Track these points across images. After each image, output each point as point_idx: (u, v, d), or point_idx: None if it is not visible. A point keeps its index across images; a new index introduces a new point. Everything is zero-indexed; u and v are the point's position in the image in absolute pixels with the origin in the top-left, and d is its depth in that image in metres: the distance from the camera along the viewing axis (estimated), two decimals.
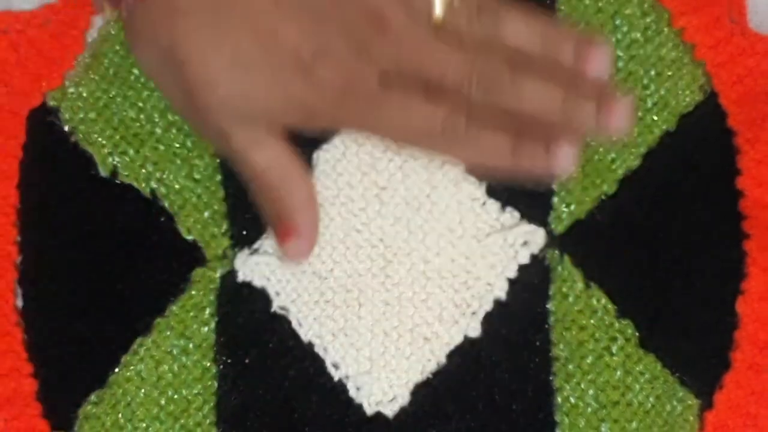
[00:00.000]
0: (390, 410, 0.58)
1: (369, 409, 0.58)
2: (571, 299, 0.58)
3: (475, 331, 0.58)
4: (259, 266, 0.58)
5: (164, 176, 0.59)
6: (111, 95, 0.59)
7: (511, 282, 0.58)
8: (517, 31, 0.52)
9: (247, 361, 0.58)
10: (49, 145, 0.59)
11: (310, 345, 0.58)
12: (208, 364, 0.58)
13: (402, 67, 0.51)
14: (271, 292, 0.58)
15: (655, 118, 0.58)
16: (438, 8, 0.52)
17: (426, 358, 0.58)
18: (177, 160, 0.59)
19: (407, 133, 0.52)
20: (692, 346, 0.58)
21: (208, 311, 0.58)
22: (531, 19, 0.52)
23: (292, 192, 0.55)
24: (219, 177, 0.59)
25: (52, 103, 0.59)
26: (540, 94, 0.51)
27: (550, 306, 0.58)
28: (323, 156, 0.58)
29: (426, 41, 0.51)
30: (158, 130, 0.59)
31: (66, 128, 0.59)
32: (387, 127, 0.52)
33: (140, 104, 0.59)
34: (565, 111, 0.51)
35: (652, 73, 0.58)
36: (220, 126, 0.53)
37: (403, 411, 0.57)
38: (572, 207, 0.58)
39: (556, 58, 0.51)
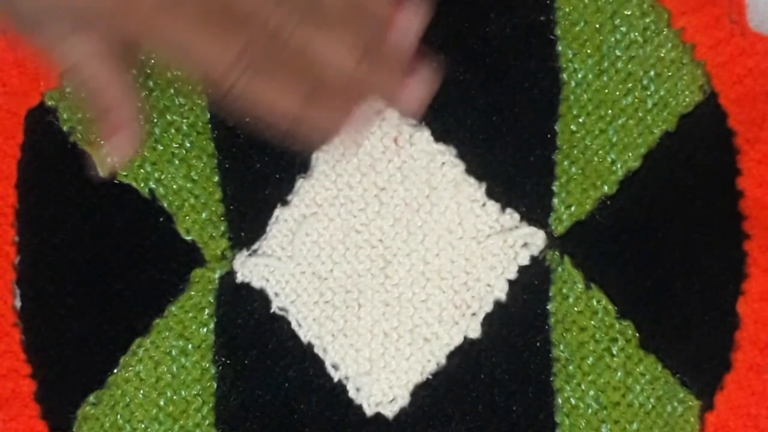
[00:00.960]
0: (390, 411, 0.57)
1: (369, 410, 0.57)
2: (571, 300, 0.58)
3: (475, 332, 0.58)
4: (258, 267, 0.58)
5: (163, 176, 0.59)
6: None
7: (511, 283, 0.58)
8: None
9: (246, 361, 0.57)
10: (47, 145, 0.59)
11: (310, 346, 0.58)
12: (207, 365, 0.58)
13: None
14: (270, 292, 0.58)
15: (655, 118, 0.58)
16: None
17: (426, 359, 0.58)
18: (175, 160, 0.59)
19: (198, 60, 0.49)
20: (693, 347, 0.58)
21: (207, 312, 0.58)
22: None
23: (106, 88, 0.52)
24: (217, 178, 0.58)
25: (50, 103, 0.59)
26: (338, 47, 0.49)
27: (550, 307, 0.58)
28: (323, 156, 0.58)
29: None
30: (157, 131, 0.59)
31: (64, 128, 0.59)
32: (177, 49, 0.49)
33: (138, 104, 0.59)
34: (359, 72, 0.49)
35: (652, 73, 0.58)
36: (31, 17, 0.50)
37: (402, 412, 0.57)
38: (572, 208, 0.58)
39: (371, 17, 0.50)
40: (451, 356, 0.58)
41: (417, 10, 0.51)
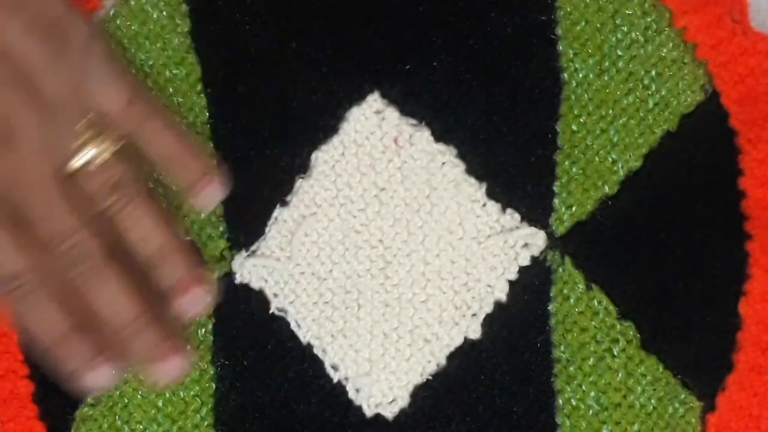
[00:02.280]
0: (389, 412, 0.57)
1: (368, 411, 0.57)
2: (572, 301, 0.57)
3: (475, 332, 0.57)
4: (257, 268, 0.58)
5: (161, 177, 0.58)
6: None
7: (512, 284, 0.58)
8: (138, 228, 0.52)
9: (245, 362, 0.57)
10: None
11: (309, 346, 0.58)
12: (206, 366, 0.57)
13: (8, 189, 0.51)
14: (269, 293, 0.58)
15: (656, 118, 0.58)
16: (80, 159, 0.52)
17: (426, 360, 0.57)
18: None
19: None
20: (694, 348, 0.57)
21: (205, 312, 0.58)
22: (158, 226, 0.53)
23: None
24: None
25: None
26: (116, 299, 0.51)
27: (551, 308, 0.58)
28: (322, 157, 0.58)
29: (46, 181, 0.51)
30: None
31: None
32: None
33: None
34: (129, 329, 0.51)
35: (653, 73, 0.58)
36: None
37: (402, 413, 0.57)
38: (573, 208, 0.58)
39: (159, 272, 0.53)
40: (451, 357, 0.57)
41: (204, 296, 0.54)
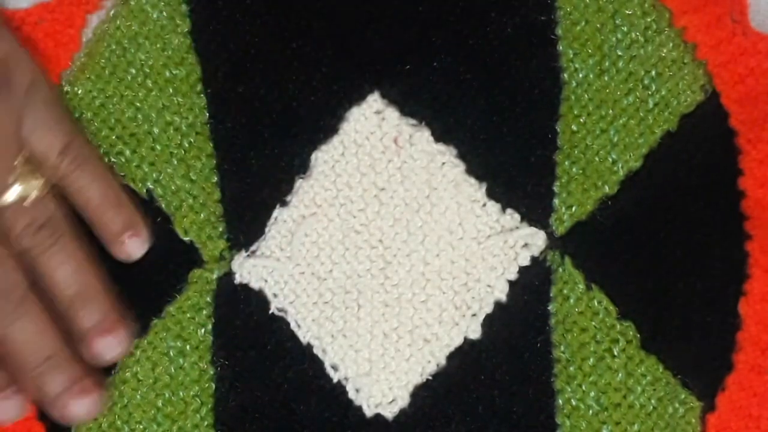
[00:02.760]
0: (389, 412, 0.57)
1: (368, 411, 0.57)
2: (572, 301, 0.57)
3: (475, 332, 0.57)
4: (256, 268, 0.58)
5: (161, 177, 0.58)
6: (107, 95, 0.59)
7: (512, 284, 0.58)
8: (60, 270, 0.53)
9: (245, 362, 0.57)
10: None
11: (309, 346, 0.57)
12: (206, 366, 0.57)
13: None
14: (269, 293, 0.58)
15: (656, 118, 0.58)
16: (12, 194, 0.53)
17: (426, 360, 0.57)
18: (174, 160, 0.58)
19: None
20: (694, 348, 0.57)
21: (205, 313, 0.58)
22: (81, 268, 0.54)
23: None
24: (216, 178, 0.58)
25: None
26: (32, 337, 0.52)
27: (551, 308, 0.57)
28: (322, 157, 0.58)
29: None
30: (155, 130, 0.58)
31: None
32: None
33: (137, 104, 0.58)
34: (42, 367, 0.52)
35: (653, 73, 0.58)
36: None
37: (402, 413, 0.57)
38: (573, 208, 0.58)
39: (79, 313, 0.54)
40: (451, 357, 0.57)
41: (121, 342, 0.55)
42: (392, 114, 0.58)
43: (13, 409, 0.54)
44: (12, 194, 0.53)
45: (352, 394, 0.57)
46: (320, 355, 0.57)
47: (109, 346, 0.54)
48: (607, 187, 0.58)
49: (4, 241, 0.53)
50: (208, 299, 0.58)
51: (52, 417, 0.55)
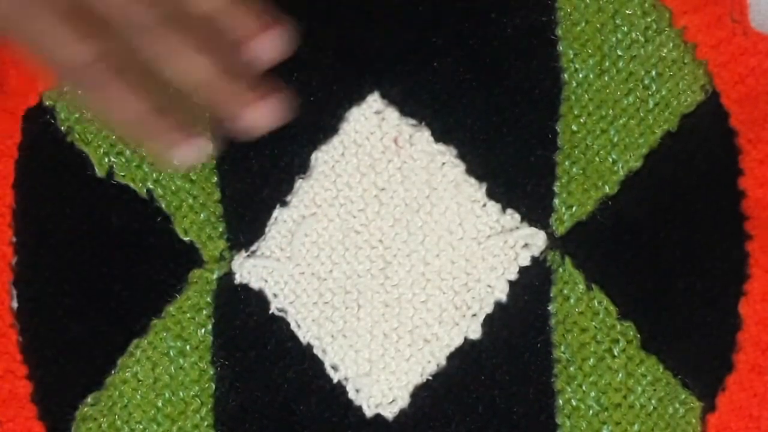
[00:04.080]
0: (389, 412, 0.57)
1: (368, 411, 0.57)
2: (572, 301, 0.57)
3: (475, 333, 0.57)
4: (256, 268, 0.58)
5: (161, 177, 0.58)
6: None
7: (512, 284, 0.58)
8: None
9: (245, 363, 0.57)
10: (45, 145, 0.59)
11: (309, 347, 0.58)
12: (206, 366, 0.57)
13: None
14: (269, 293, 0.58)
15: (657, 118, 0.58)
16: None
17: (426, 360, 0.57)
18: None
19: (54, 56, 0.47)
20: (694, 348, 0.57)
21: (205, 313, 0.58)
22: None
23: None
24: (215, 178, 0.58)
25: (48, 102, 0.59)
26: (188, 56, 0.47)
27: (551, 308, 0.57)
28: (322, 157, 0.58)
29: None
30: None
31: (62, 128, 0.59)
32: (33, 41, 0.48)
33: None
34: (210, 88, 0.47)
35: (653, 73, 0.58)
36: None
37: (402, 413, 0.57)
38: (573, 208, 0.58)
39: (231, 20, 0.48)
40: (451, 357, 0.57)
41: (282, 35, 0.49)
42: (392, 114, 0.58)
43: (194, 151, 0.48)
44: None
45: (352, 395, 0.57)
46: (320, 355, 0.57)
47: (271, 44, 0.48)
48: (607, 187, 0.58)
49: None
50: (208, 299, 0.58)
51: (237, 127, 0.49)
